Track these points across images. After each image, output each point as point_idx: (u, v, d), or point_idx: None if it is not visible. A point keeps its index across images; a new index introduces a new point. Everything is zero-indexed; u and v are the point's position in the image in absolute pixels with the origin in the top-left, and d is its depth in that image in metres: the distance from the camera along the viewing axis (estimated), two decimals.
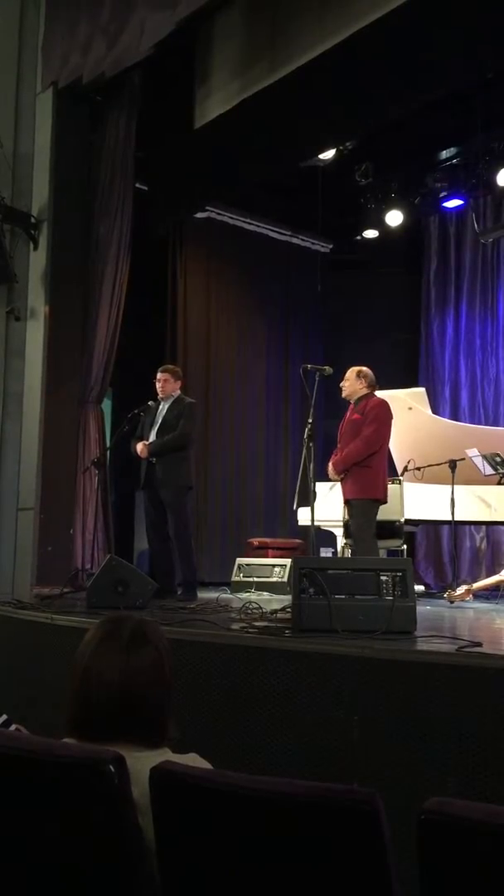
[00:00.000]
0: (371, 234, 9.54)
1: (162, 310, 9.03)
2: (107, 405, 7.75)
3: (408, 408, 7.48)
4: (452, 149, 8.71)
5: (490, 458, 6.83)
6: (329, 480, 5.82)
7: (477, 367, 9.30)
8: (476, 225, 9.03)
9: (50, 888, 1.52)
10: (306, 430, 5.09)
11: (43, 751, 1.49)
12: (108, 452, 6.89)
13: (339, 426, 5.73)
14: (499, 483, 6.88)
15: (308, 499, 5.09)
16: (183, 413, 5.84)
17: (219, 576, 8.10)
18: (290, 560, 6.66)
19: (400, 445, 7.41)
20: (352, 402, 5.66)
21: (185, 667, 3.26)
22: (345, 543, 6.02)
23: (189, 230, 9.20)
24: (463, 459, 6.76)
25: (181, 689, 3.12)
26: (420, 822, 1.20)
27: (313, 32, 5.84)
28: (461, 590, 5.78)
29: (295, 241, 10.17)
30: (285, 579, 6.66)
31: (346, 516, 5.70)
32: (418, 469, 7.14)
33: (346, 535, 5.86)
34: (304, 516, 6.36)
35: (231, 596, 6.39)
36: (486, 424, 8.78)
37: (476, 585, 5.92)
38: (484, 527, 8.59)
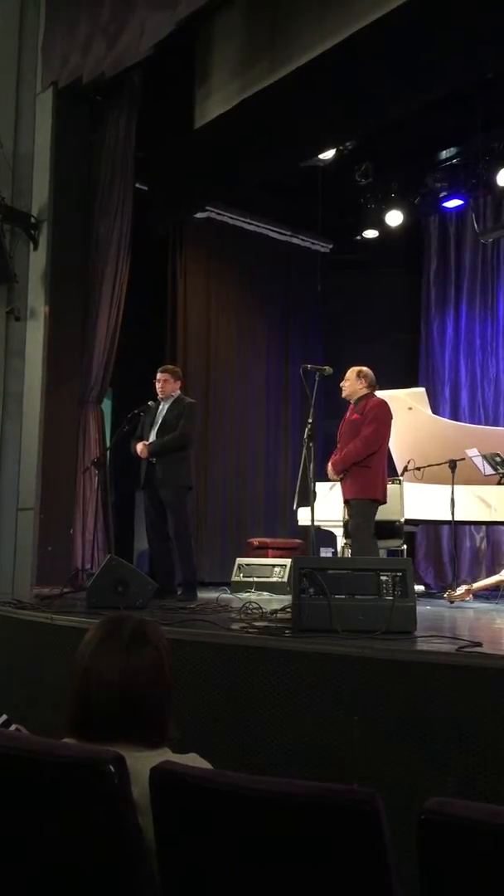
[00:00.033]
0: (371, 234, 9.54)
1: (162, 310, 9.03)
2: (107, 405, 7.75)
3: (408, 408, 7.48)
4: (452, 149, 8.71)
5: (490, 458, 6.83)
6: (329, 480, 5.82)
7: (477, 367, 9.30)
8: (476, 225, 9.02)
9: (50, 888, 1.52)
10: (306, 430, 5.09)
11: (43, 751, 1.49)
12: (108, 452, 6.89)
13: (338, 426, 5.73)
14: (499, 483, 6.88)
15: (308, 499, 5.09)
16: (183, 413, 5.84)
17: (219, 576, 8.10)
18: (290, 560, 6.66)
19: (400, 445, 7.41)
20: (352, 402, 5.66)
21: (185, 667, 3.26)
22: (345, 543, 6.02)
23: (189, 230, 9.20)
24: (463, 459, 6.76)
25: (181, 689, 3.11)
26: (420, 822, 1.20)
27: (313, 32, 5.84)
28: (461, 590, 5.78)
29: (295, 241, 10.17)
30: (285, 579, 6.66)
31: (346, 516, 5.70)
32: (418, 469, 7.14)
33: (346, 535, 5.86)
34: (304, 516, 6.36)
35: (231, 596, 6.39)
36: (486, 424, 8.78)
37: (476, 585, 5.92)
38: (484, 527, 8.59)
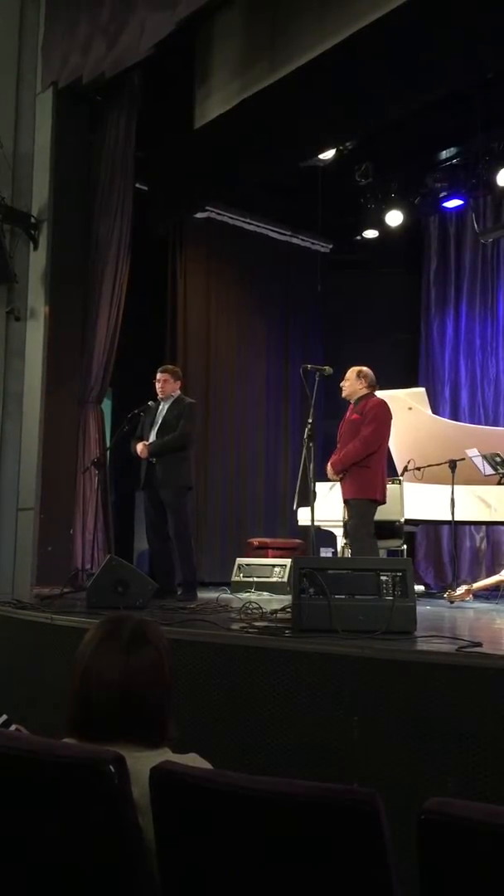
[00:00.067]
0: (371, 234, 9.54)
1: (162, 310, 9.03)
2: (107, 405, 7.75)
3: (408, 408, 7.48)
4: (452, 149, 8.71)
5: (490, 458, 6.83)
6: (329, 480, 5.82)
7: (477, 367, 9.30)
8: (476, 225, 9.02)
9: (50, 888, 1.51)
10: (306, 430, 5.09)
11: (43, 751, 1.49)
12: (108, 452, 6.90)
13: (338, 426, 5.73)
14: (499, 483, 6.88)
15: (308, 499, 5.09)
16: (183, 413, 5.84)
17: (219, 576, 8.10)
18: (290, 560, 6.66)
19: (400, 445, 7.41)
20: (352, 402, 5.66)
21: (185, 667, 3.26)
22: (345, 543, 6.01)
23: (189, 230, 9.20)
24: (463, 459, 6.76)
25: (181, 689, 3.12)
26: (420, 822, 1.20)
27: (313, 32, 5.84)
28: (461, 590, 5.78)
29: (295, 241, 10.17)
30: (285, 579, 6.66)
31: (346, 516, 5.70)
32: (418, 469, 7.14)
33: (346, 535, 5.86)
34: (304, 516, 6.36)
35: (231, 596, 6.39)
36: (486, 424, 8.78)
37: (476, 585, 5.92)
38: (484, 527, 8.59)
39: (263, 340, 9.84)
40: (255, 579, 6.96)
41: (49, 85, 7.16)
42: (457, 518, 6.60)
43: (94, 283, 7.17)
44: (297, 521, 6.82)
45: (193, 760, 1.64)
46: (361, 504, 5.42)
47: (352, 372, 5.67)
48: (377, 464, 5.46)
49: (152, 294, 8.75)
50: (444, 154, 8.82)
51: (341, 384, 5.69)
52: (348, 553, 5.83)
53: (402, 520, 6.32)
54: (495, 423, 8.76)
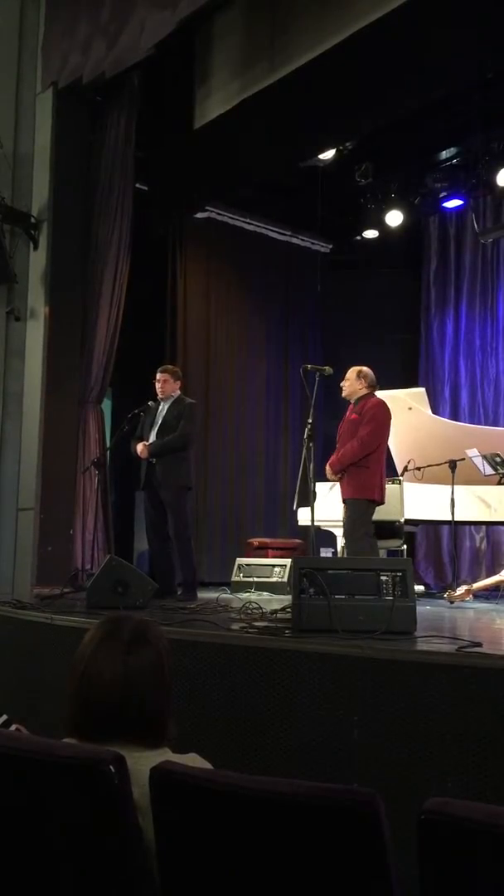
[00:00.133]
0: (371, 234, 9.53)
1: (162, 310, 9.03)
2: (107, 405, 7.75)
3: (408, 408, 7.47)
4: (452, 149, 8.71)
5: (490, 458, 6.83)
6: (329, 480, 5.82)
7: (477, 367, 9.30)
8: (476, 225, 9.03)
9: (50, 888, 1.51)
10: (306, 430, 5.09)
11: (43, 751, 1.49)
12: (108, 452, 6.90)
13: (338, 426, 5.73)
14: (499, 483, 6.88)
15: (308, 499, 5.09)
16: (183, 413, 5.84)
17: (219, 576, 8.10)
18: (290, 560, 6.66)
19: (400, 445, 7.41)
20: (352, 402, 5.66)
21: (185, 667, 3.26)
22: (344, 543, 6.01)
23: (189, 230, 9.20)
24: (463, 459, 6.76)
25: (181, 689, 3.12)
26: (420, 822, 1.20)
27: (313, 32, 5.84)
28: (461, 590, 5.77)
29: (295, 241, 10.17)
30: (285, 579, 6.66)
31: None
32: (418, 469, 7.13)
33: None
34: (304, 516, 6.36)
35: (231, 596, 6.39)
36: (486, 424, 8.78)
37: (476, 585, 5.92)
38: (484, 527, 8.60)
39: (263, 340, 9.84)
40: (255, 579, 6.95)
41: (49, 85, 7.16)
42: (457, 518, 6.59)
43: (94, 283, 7.17)
44: (297, 522, 6.82)
45: (193, 760, 1.64)
46: (359, 504, 5.42)
47: (352, 372, 5.67)
48: (376, 464, 5.45)
49: (152, 294, 8.75)
50: (444, 154, 8.82)
51: (341, 384, 5.69)
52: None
53: (402, 520, 6.32)
54: (495, 424, 8.76)
